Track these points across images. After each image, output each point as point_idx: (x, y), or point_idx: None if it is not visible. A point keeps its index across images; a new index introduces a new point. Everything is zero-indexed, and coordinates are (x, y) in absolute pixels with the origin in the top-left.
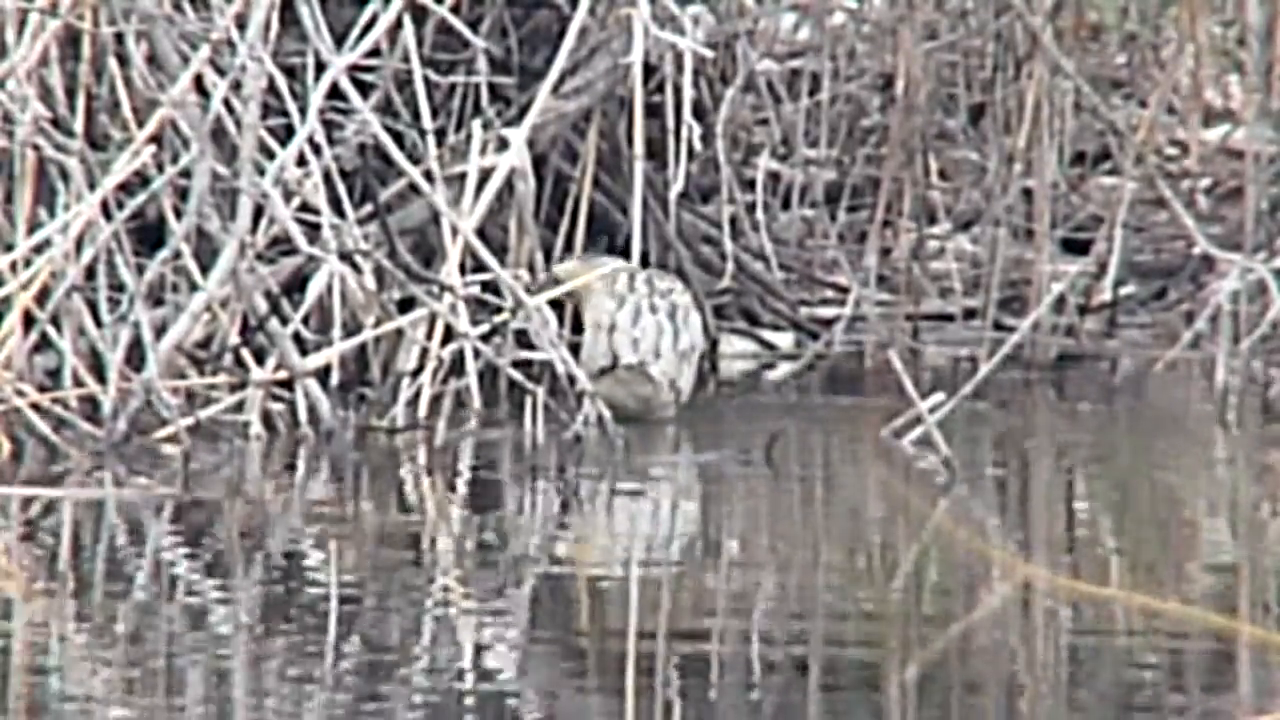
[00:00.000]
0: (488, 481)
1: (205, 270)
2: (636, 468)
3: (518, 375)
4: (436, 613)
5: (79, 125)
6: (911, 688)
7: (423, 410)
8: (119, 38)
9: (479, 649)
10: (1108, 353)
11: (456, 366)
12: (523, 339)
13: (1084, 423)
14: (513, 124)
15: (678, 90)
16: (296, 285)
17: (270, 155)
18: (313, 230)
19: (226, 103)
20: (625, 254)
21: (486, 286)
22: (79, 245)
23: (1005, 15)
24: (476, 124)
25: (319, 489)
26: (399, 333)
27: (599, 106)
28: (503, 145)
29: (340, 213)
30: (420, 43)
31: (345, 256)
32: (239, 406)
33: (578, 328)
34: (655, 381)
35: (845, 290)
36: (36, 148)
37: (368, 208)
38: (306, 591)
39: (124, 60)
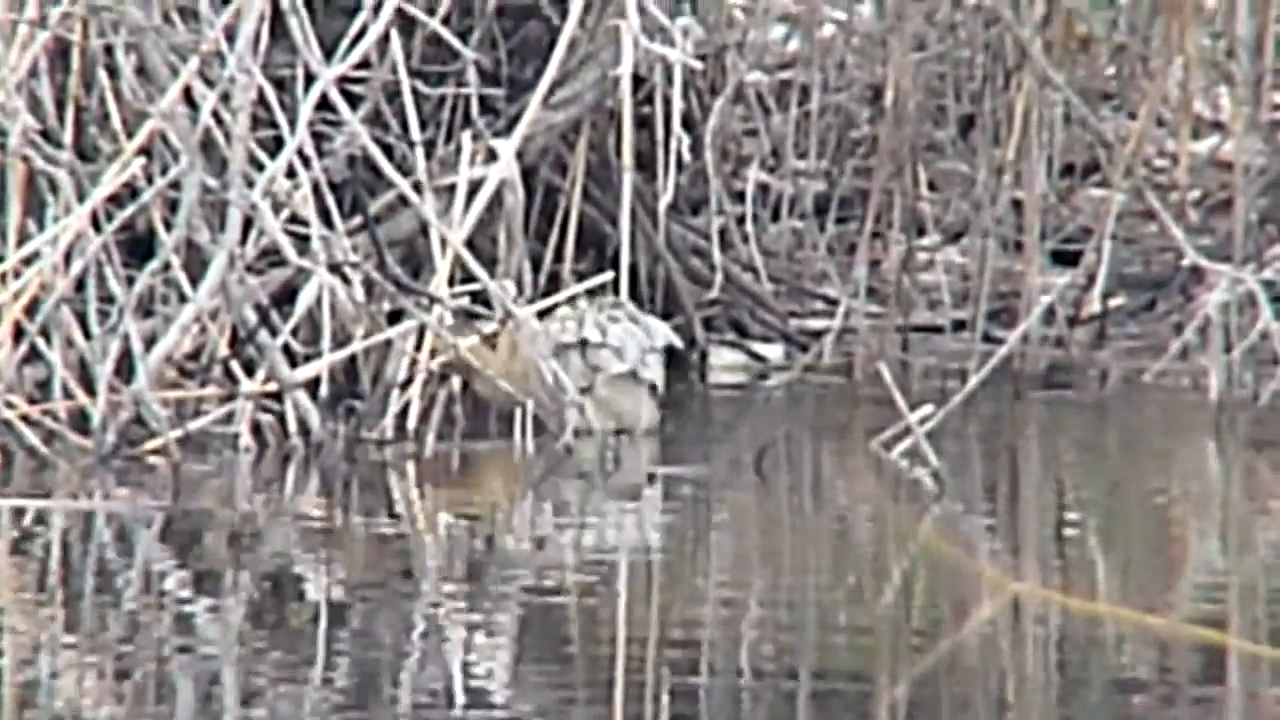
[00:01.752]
0: (477, 493)
1: (195, 282)
2: (625, 479)
3: (508, 386)
4: (426, 624)
5: (68, 137)
6: (901, 702)
7: (412, 422)
8: (108, 50)
9: (468, 661)
10: (1097, 364)
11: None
12: None
13: (1073, 433)
14: (502, 135)
15: (667, 102)
16: (286, 297)
17: (259, 167)
18: (302, 242)
19: (216, 114)
20: (614, 265)
21: (475, 298)
22: (68, 257)
23: (994, 27)
24: (466, 135)
25: (308, 501)
26: (388, 344)
27: (588, 118)
28: (492, 156)
29: (329, 224)
30: (409, 54)
31: (335, 268)
32: (228, 418)
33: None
34: (644, 384)
35: (834, 302)
36: (26, 159)
37: (357, 219)
38: (296, 603)
39: (113, 72)
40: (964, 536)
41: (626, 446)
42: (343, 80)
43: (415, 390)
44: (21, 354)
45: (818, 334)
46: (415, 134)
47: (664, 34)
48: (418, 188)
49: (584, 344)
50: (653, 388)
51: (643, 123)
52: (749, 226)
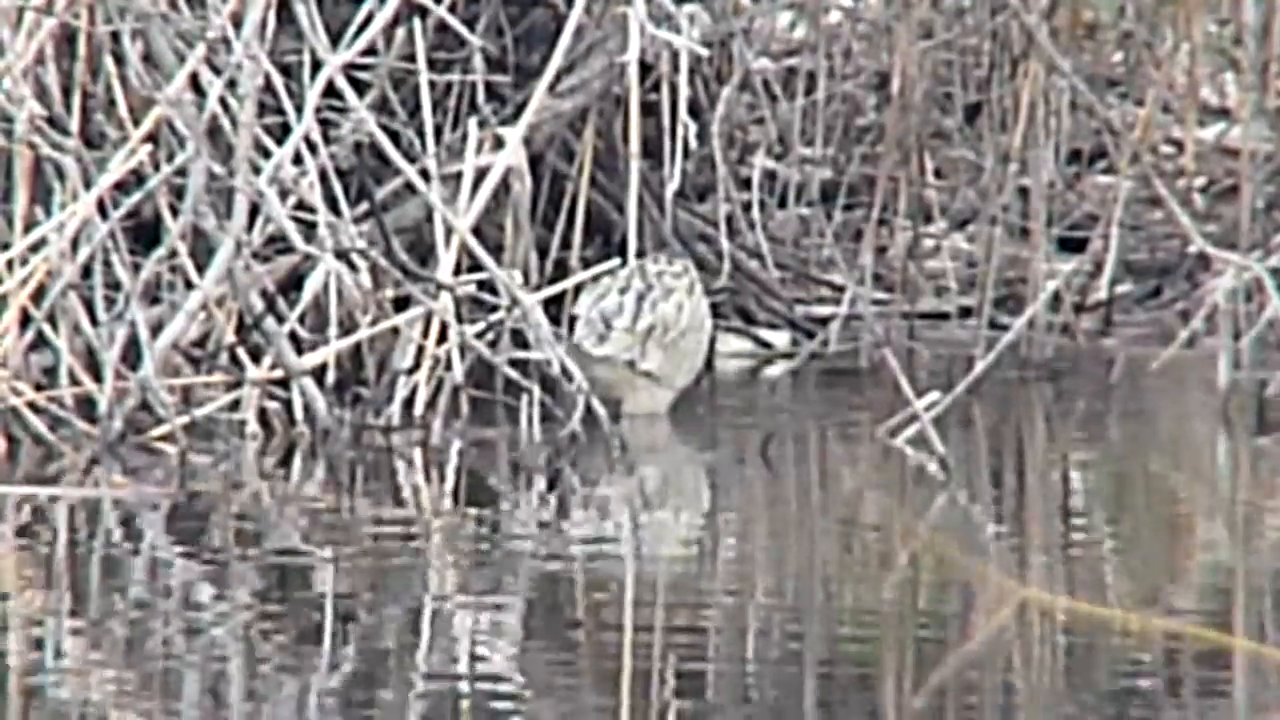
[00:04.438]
0: (483, 479)
1: (201, 269)
2: (631, 466)
3: (514, 373)
4: (433, 611)
5: (75, 124)
6: (908, 699)
7: (419, 409)
8: (115, 36)
9: (475, 647)
10: (1104, 351)
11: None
12: (518, 337)
13: (1080, 421)
14: (509, 123)
15: (674, 89)
16: (292, 284)
17: (266, 154)
18: (309, 229)
19: (222, 101)
20: (621, 253)
21: (482, 285)
22: (75, 244)
23: (1001, 14)
24: (472, 123)
25: (315, 487)
26: (395, 331)
27: (595, 105)
28: (499, 144)
29: (336, 211)
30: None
31: (341, 255)
32: (235, 405)
33: None
34: (604, 361)
35: (841, 289)
36: (32, 146)
37: (364, 206)
38: (302, 590)
39: (120, 59)
40: (970, 529)
41: (631, 433)
42: (349, 67)
43: (422, 377)
44: (28, 341)
45: (824, 321)
46: (425, 121)
47: (670, 21)
48: (425, 175)
49: (572, 320)
50: (630, 364)
51: (649, 110)
52: (755, 213)
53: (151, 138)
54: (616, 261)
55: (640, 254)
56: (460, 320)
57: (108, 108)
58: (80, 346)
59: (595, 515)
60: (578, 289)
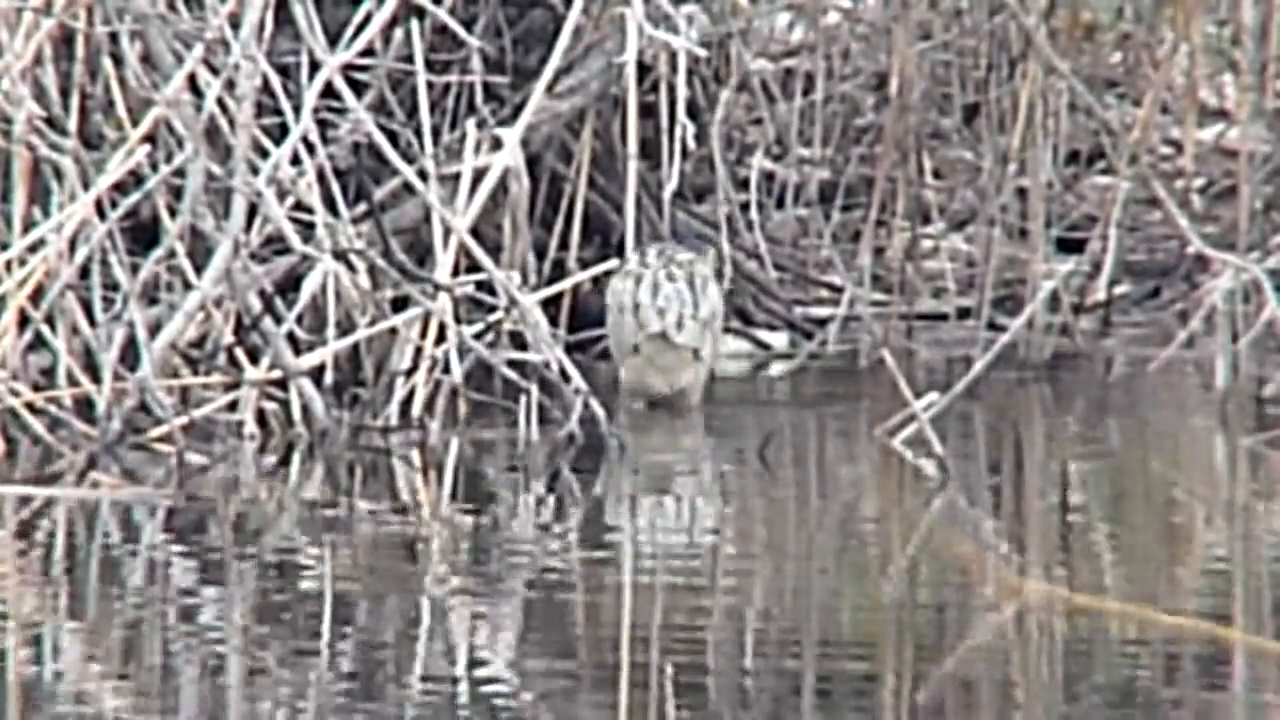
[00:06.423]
0: (481, 480)
1: (199, 269)
2: (631, 466)
3: (512, 374)
4: (430, 611)
5: (73, 124)
6: (907, 693)
7: (416, 409)
8: (113, 37)
9: (474, 648)
10: (1102, 352)
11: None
12: (516, 338)
13: (1078, 421)
14: (507, 123)
15: (672, 89)
16: (290, 284)
17: (264, 154)
18: (307, 229)
19: (220, 102)
20: (619, 253)
21: (480, 286)
22: (73, 244)
23: (1000, 15)
24: (470, 123)
25: (313, 488)
26: (393, 332)
27: (593, 106)
28: (497, 145)
29: (334, 212)
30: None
31: (339, 256)
32: (233, 406)
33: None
34: (679, 348)
35: (839, 290)
36: (31, 147)
37: (362, 207)
38: (300, 591)
39: (118, 59)
40: (970, 528)
41: (630, 433)
42: (348, 68)
43: (419, 378)
44: (26, 341)
45: (822, 322)
46: (423, 122)
47: (668, 21)
48: (423, 175)
49: (637, 307)
50: (695, 352)
51: (647, 110)
52: (754, 214)
53: (149, 138)
54: (631, 254)
55: (654, 238)
56: (458, 321)
57: (106, 108)
58: (78, 347)
59: (593, 515)
60: (575, 289)
